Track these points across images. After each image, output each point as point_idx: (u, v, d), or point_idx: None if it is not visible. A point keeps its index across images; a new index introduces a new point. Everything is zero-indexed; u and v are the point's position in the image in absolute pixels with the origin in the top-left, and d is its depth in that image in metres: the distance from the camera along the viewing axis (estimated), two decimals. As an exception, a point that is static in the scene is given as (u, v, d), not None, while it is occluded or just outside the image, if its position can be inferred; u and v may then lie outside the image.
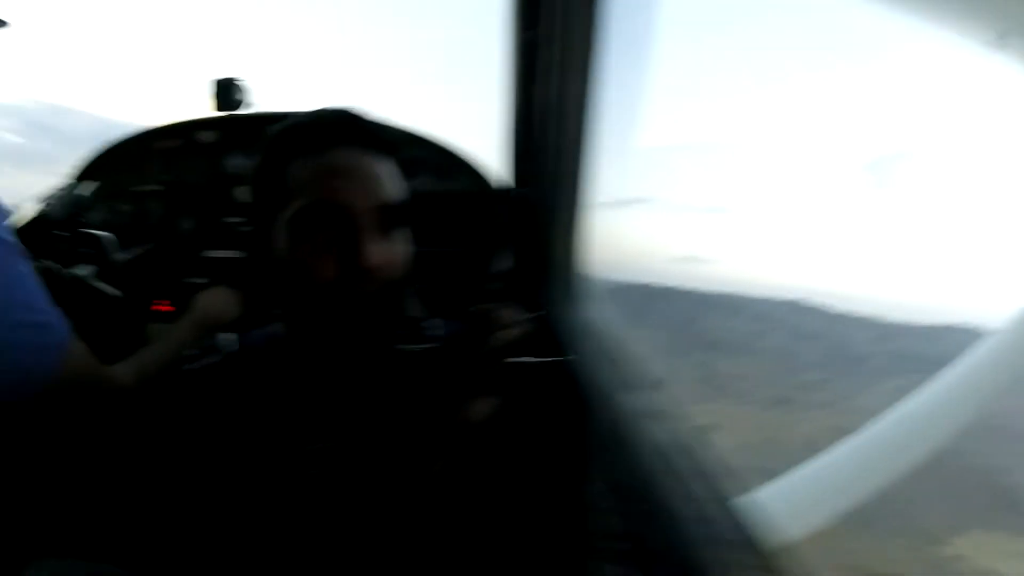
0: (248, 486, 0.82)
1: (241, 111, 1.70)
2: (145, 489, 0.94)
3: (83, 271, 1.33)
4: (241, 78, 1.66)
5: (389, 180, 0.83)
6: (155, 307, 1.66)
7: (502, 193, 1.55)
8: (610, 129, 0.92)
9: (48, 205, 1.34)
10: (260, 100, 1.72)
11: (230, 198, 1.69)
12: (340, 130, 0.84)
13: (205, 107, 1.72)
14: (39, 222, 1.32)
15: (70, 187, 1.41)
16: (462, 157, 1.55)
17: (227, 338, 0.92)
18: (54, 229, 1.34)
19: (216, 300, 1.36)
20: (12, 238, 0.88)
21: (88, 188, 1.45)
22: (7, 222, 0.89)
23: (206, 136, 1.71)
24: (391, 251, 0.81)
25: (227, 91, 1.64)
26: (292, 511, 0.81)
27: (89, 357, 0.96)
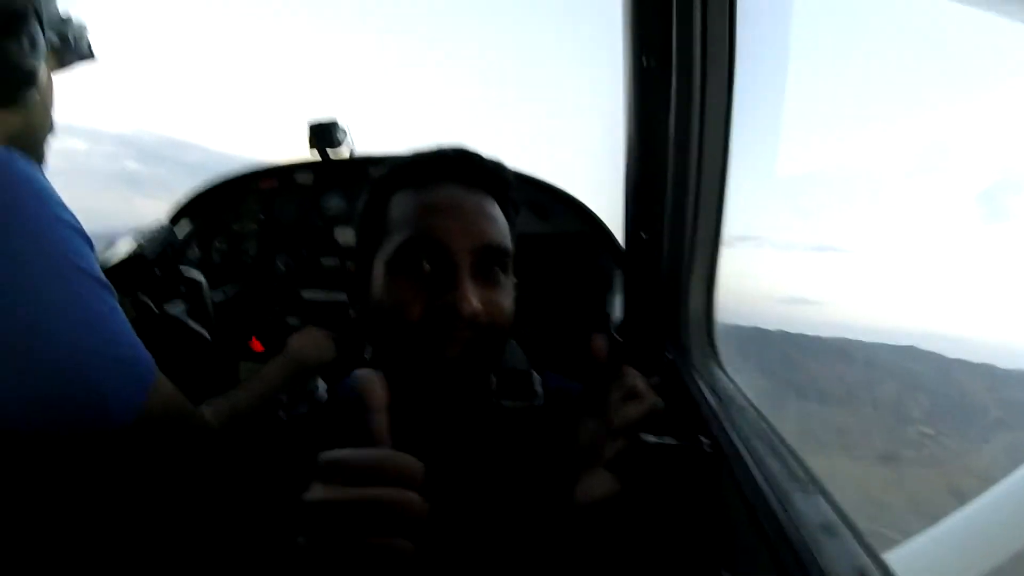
0: (324, 544, 0.77)
1: (340, 154, 1.71)
2: (226, 534, 0.92)
3: (175, 309, 1.36)
4: (339, 120, 1.68)
5: (494, 221, 0.78)
6: (249, 346, 1.69)
7: (610, 236, 1.47)
8: (740, 161, 0.83)
9: (143, 242, 1.38)
10: (362, 143, 1.74)
11: (327, 239, 1.69)
12: (444, 166, 0.80)
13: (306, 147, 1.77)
14: (134, 259, 1.35)
15: (166, 226, 1.44)
16: (566, 196, 1.48)
17: (318, 386, 0.89)
18: (149, 267, 1.37)
19: (309, 342, 1.36)
20: (98, 272, 0.88)
21: (184, 228, 1.48)
22: (93, 257, 0.90)
23: (303, 177, 1.74)
24: (492, 297, 0.75)
25: (324, 133, 1.66)
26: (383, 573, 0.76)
27: (176, 395, 0.95)
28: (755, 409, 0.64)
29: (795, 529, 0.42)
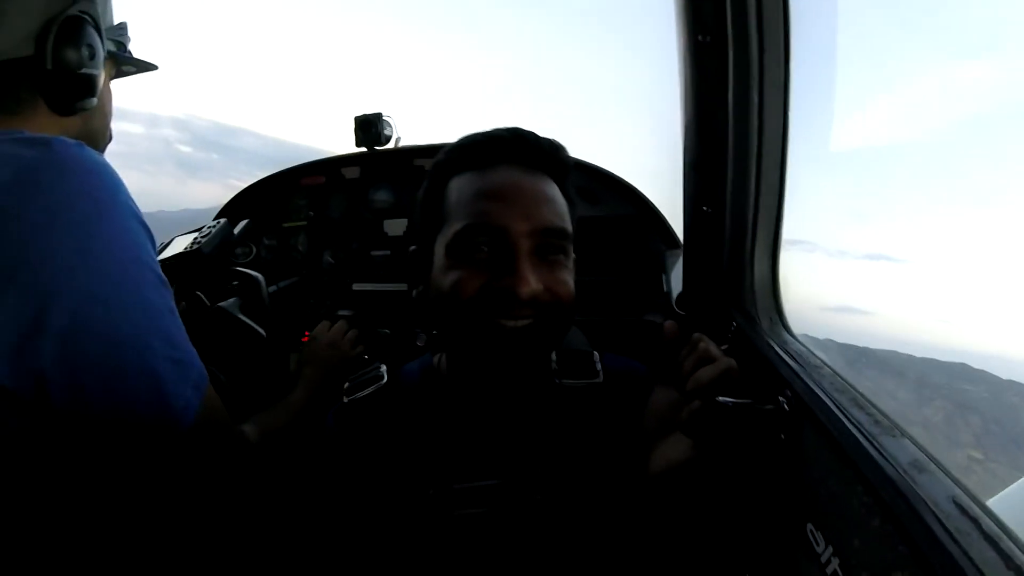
0: (401, 525, 0.80)
1: (387, 146, 1.74)
2: (295, 526, 0.95)
3: (230, 305, 1.37)
4: (384, 113, 1.70)
5: (552, 202, 0.79)
6: (300, 340, 1.74)
7: (660, 217, 1.48)
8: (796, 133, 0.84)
9: (202, 239, 1.40)
10: (408, 133, 1.78)
11: (377, 232, 1.73)
12: (500, 148, 0.81)
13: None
14: (192, 256, 1.38)
15: (224, 223, 1.47)
16: (615, 179, 1.50)
17: (382, 371, 0.91)
18: (206, 263, 1.39)
19: (317, 348, 1.33)
20: (158, 268, 0.89)
21: (240, 225, 1.52)
22: (154, 253, 0.90)
23: (350, 172, 1.78)
24: (552, 276, 0.77)
25: (369, 127, 1.69)
26: (448, 555, 0.78)
27: (222, 407, 0.96)
28: (830, 368, 0.65)
29: (890, 467, 0.44)
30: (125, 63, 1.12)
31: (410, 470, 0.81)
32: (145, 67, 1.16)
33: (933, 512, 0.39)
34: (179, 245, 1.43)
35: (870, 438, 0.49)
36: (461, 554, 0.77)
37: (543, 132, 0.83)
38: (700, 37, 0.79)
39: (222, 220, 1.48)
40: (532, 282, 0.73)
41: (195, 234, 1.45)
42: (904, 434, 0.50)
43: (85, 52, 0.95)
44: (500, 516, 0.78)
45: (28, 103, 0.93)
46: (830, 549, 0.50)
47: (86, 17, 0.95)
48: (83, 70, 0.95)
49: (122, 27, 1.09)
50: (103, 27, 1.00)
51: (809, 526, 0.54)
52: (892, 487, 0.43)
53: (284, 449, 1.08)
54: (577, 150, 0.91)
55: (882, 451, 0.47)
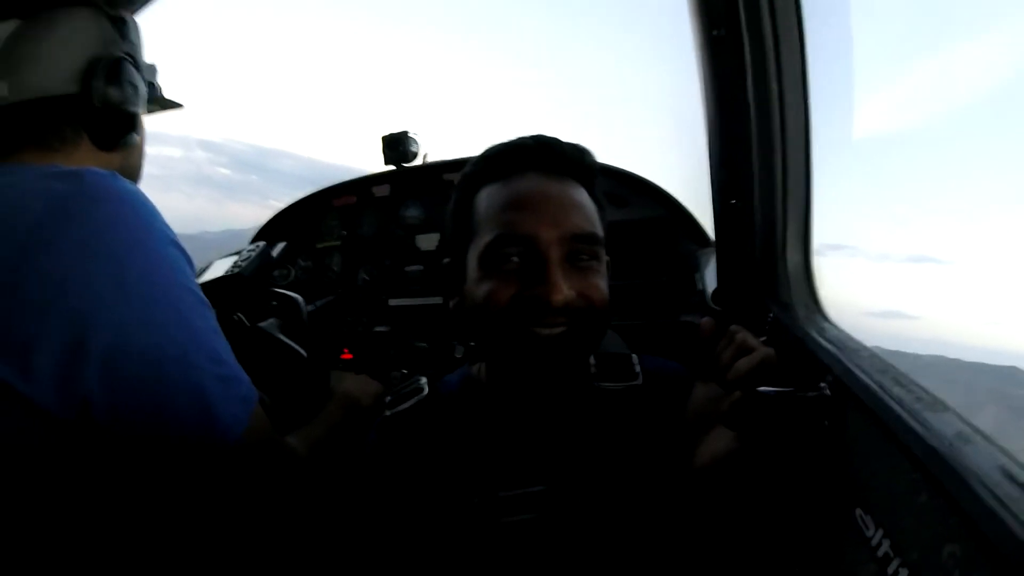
0: (448, 534, 0.80)
1: (414, 163, 1.78)
2: (344, 538, 0.96)
3: (270, 326, 1.39)
4: (411, 131, 1.73)
5: (581, 208, 0.79)
6: (342, 356, 1.76)
7: (689, 216, 1.48)
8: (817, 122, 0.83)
9: (241, 263, 1.42)
10: (436, 149, 1.81)
11: (410, 248, 1.76)
12: (525, 156, 0.82)
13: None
14: (232, 279, 1.40)
15: (262, 246, 1.49)
16: (641, 181, 1.50)
17: (422, 384, 0.92)
18: (245, 286, 1.41)
19: (354, 382, 1.35)
20: (198, 289, 0.90)
21: (278, 247, 1.55)
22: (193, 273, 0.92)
23: (381, 190, 1.82)
24: (585, 281, 0.77)
25: (396, 145, 1.72)
26: (495, 563, 0.78)
27: (268, 422, 0.96)
28: (869, 350, 0.65)
29: (934, 439, 0.44)
30: (153, 102, 1.17)
31: (454, 479, 0.81)
32: (170, 105, 1.21)
33: (982, 482, 0.39)
34: (219, 268, 1.47)
35: (914, 414, 0.48)
36: (509, 562, 0.78)
37: (567, 138, 0.83)
38: (715, 32, 0.80)
39: (261, 243, 1.51)
40: (564, 289, 0.73)
41: (234, 257, 1.49)
42: (947, 408, 0.49)
43: (130, 91, 1.00)
44: (547, 522, 0.78)
45: (71, 140, 0.97)
46: (880, 532, 0.50)
47: (128, 58, 1.01)
48: (128, 108, 1.00)
49: (152, 68, 1.15)
50: (142, 67, 1.05)
51: (858, 511, 0.54)
52: (939, 460, 0.43)
53: (329, 462, 1.09)
54: (603, 155, 0.92)
55: (926, 425, 0.46)
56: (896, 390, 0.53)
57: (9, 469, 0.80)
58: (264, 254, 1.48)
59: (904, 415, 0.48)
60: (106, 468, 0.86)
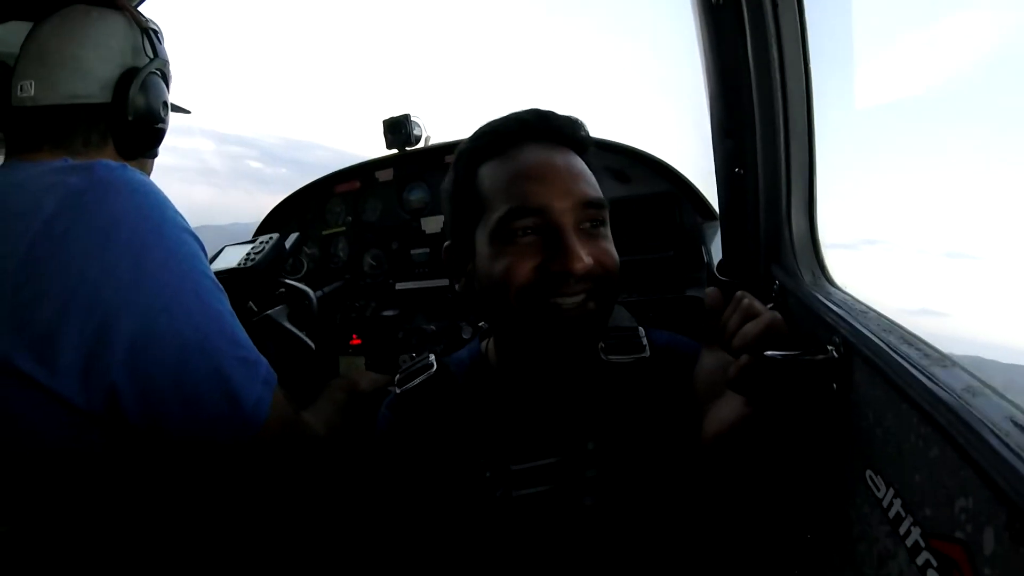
0: (460, 508, 0.81)
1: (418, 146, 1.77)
2: (358, 513, 0.97)
3: (279, 315, 1.41)
4: (412, 114, 1.73)
5: (585, 175, 0.80)
6: (351, 342, 1.78)
7: (693, 189, 1.47)
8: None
9: (254, 256, 1.44)
10: (438, 131, 1.80)
11: (415, 231, 1.77)
12: (525, 129, 0.82)
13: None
14: (246, 272, 1.42)
15: (276, 238, 1.51)
16: (644, 156, 1.49)
17: (431, 361, 0.93)
18: (258, 278, 1.43)
19: (354, 372, 1.39)
20: (212, 274, 0.92)
21: (290, 239, 1.56)
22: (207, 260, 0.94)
23: (384, 175, 1.82)
24: (599, 247, 0.78)
25: (398, 128, 1.72)
26: (508, 535, 0.79)
27: (289, 404, 0.98)
28: (876, 311, 0.64)
29: (944, 392, 0.44)
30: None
31: (466, 454, 0.82)
32: (178, 111, 1.25)
33: (993, 431, 0.39)
34: (231, 257, 1.48)
35: (922, 370, 0.48)
36: (522, 534, 0.78)
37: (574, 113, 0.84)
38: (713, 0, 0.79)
39: (274, 235, 1.52)
40: (584, 257, 0.74)
41: (247, 247, 1.50)
42: (956, 363, 0.49)
43: (161, 106, 1.03)
44: (559, 494, 0.79)
45: (95, 146, 0.99)
46: (891, 491, 0.50)
47: (160, 74, 1.04)
48: (159, 125, 1.03)
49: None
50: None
51: (868, 472, 0.54)
52: (949, 412, 0.43)
53: (338, 442, 1.11)
54: (605, 131, 0.92)
55: (935, 380, 0.46)
56: (904, 348, 0.53)
57: (40, 463, 0.82)
58: (277, 246, 1.49)
59: (913, 371, 0.48)
60: (139, 460, 0.88)
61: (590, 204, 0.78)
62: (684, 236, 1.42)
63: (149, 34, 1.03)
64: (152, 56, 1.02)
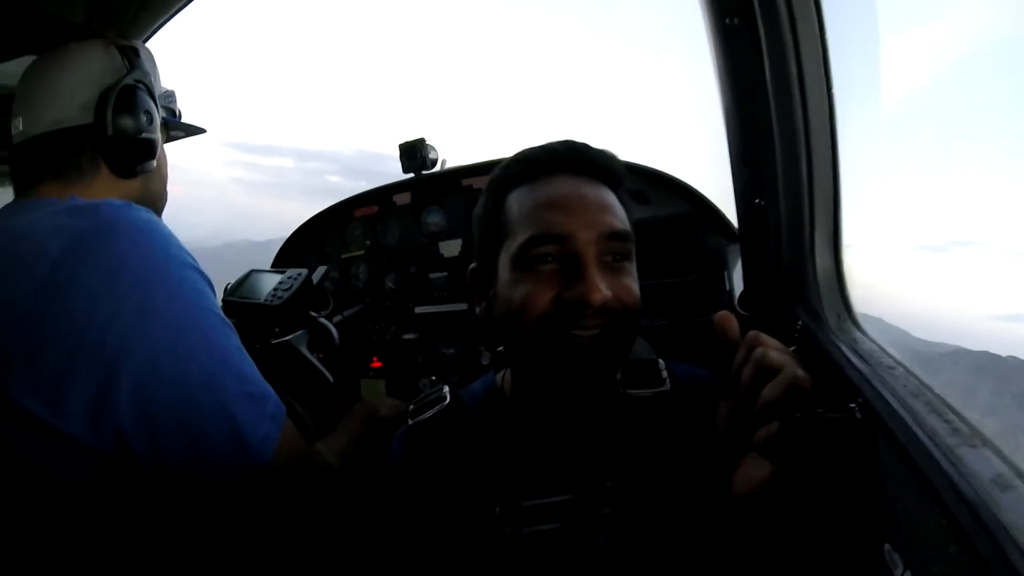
0: (468, 544, 0.79)
1: (435, 170, 1.76)
2: (368, 549, 0.95)
3: (294, 336, 1.39)
4: (427, 138, 1.72)
5: (612, 208, 0.78)
6: (371, 365, 1.78)
7: (716, 212, 1.41)
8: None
9: (282, 293, 1.43)
10: (454, 154, 1.79)
11: (433, 255, 1.76)
12: (557, 159, 0.81)
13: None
14: (270, 310, 1.40)
15: (302, 273, 1.49)
16: (664, 177, 1.45)
17: (445, 393, 0.91)
18: (283, 315, 1.41)
19: (373, 399, 1.35)
20: (219, 311, 0.91)
21: (318, 272, 1.56)
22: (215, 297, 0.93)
23: (402, 199, 1.82)
24: (619, 282, 0.76)
25: (414, 153, 1.72)
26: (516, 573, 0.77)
27: (299, 434, 0.97)
28: (904, 367, 0.59)
29: (967, 484, 0.39)
30: (175, 128, 1.19)
31: (475, 489, 0.81)
32: (193, 131, 1.23)
33: (1017, 545, 0.34)
34: (258, 287, 1.48)
35: (946, 451, 0.43)
36: (531, 574, 0.76)
37: (588, 139, 0.83)
38: (728, 20, 0.74)
39: (303, 271, 1.50)
40: (603, 289, 0.72)
41: (275, 278, 1.49)
42: (986, 443, 0.43)
43: (143, 118, 1.01)
44: (572, 532, 0.76)
45: (89, 170, 0.99)
46: (908, 573, 0.45)
47: (141, 86, 1.02)
48: (143, 135, 1.01)
49: (171, 95, 1.17)
50: (156, 94, 1.06)
51: (887, 546, 0.49)
52: (970, 510, 0.37)
53: (353, 472, 1.09)
54: (625, 154, 0.89)
55: (959, 466, 0.41)
56: (931, 420, 0.47)
57: (51, 503, 0.83)
58: (306, 282, 1.48)
59: (936, 453, 0.43)
60: (150, 498, 0.87)
61: (614, 236, 0.76)
62: (706, 259, 1.37)
63: (126, 51, 1.03)
64: (128, 70, 1.02)
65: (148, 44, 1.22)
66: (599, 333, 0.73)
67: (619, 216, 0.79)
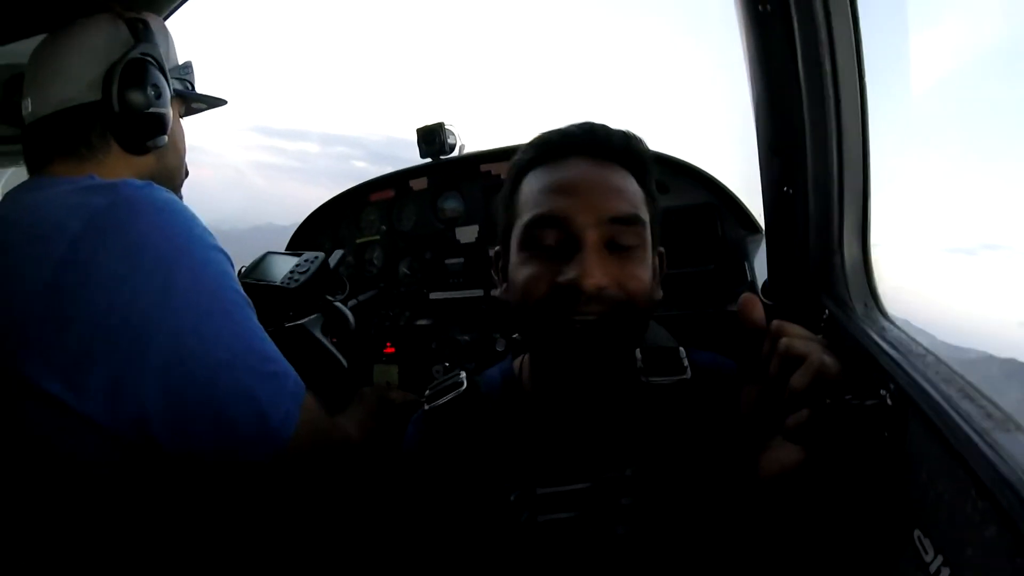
0: (483, 532, 0.79)
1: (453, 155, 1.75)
2: (382, 534, 0.96)
3: (308, 320, 1.40)
4: (448, 123, 1.70)
5: (622, 192, 0.78)
6: (385, 351, 1.79)
7: (736, 201, 1.41)
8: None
9: (299, 276, 1.42)
10: (473, 139, 1.78)
11: (449, 240, 1.75)
12: (570, 142, 0.81)
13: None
14: (287, 292, 1.40)
15: (320, 257, 1.49)
16: (685, 166, 1.44)
17: (462, 379, 0.91)
18: (298, 298, 1.41)
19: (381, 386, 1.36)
20: (241, 290, 0.91)
21: (335, 256, 1.56)
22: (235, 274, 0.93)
23: (418, 183, 1.81)
24: (622, 269, 0.75)
25: (432, 137, 1.71)
26: (531, 563, 0.76)
27: (322, 409, 0.96)
28: (934, 355, 0.59)
29: (1006, 466, 0.39)
30: (194, 100, 1.18)
31: (491, 476, 0.81)
32: (215, 103, 1.21)
33: None
34: (274, 269, 1.48)
35: (982, 434, 0.43)
36: (545, 563, 0.76)
37: (613, 124, 0.82)
38: (760, 7, 0.74)
39: (320, 254, 1.50)
40: (597, 275, 0.72)
41: (291, 261, 1.49)
42: (1020, 428, 0.44)
43: (151, 92, 0.99)
44: (589, 521, 0.76)
45: (100, 147, 0.99)
46: (940, 559, 0.45)
47: (148, 59, 1.00)
48: (151, 109, 1.00)
49: (187, 67, 1.14)
50: (167, 67, 1.04)
51: (917, 533, 0.49)
52: (1009, 490, 0.38)
53: (371, 450, 1.10)
54: (650, 141, 0.88)
55: (996, 448, 0.41)
56: (964, 405, 0.47)
57: (66, 484, 0.83)
58: (323, 266, 1.48)
59: (973, 435, 0.43)
60: (168, 477, 0.88)
61: (617, 220, 0.75)
62: (726, 249, 1.37)
63: (134, 24, 1.02)
64: (134, 43, 1.00)
65: (169, 23, 1.20)
66: (597, 320, 0.73)
67: (628, 200, 0.78)
